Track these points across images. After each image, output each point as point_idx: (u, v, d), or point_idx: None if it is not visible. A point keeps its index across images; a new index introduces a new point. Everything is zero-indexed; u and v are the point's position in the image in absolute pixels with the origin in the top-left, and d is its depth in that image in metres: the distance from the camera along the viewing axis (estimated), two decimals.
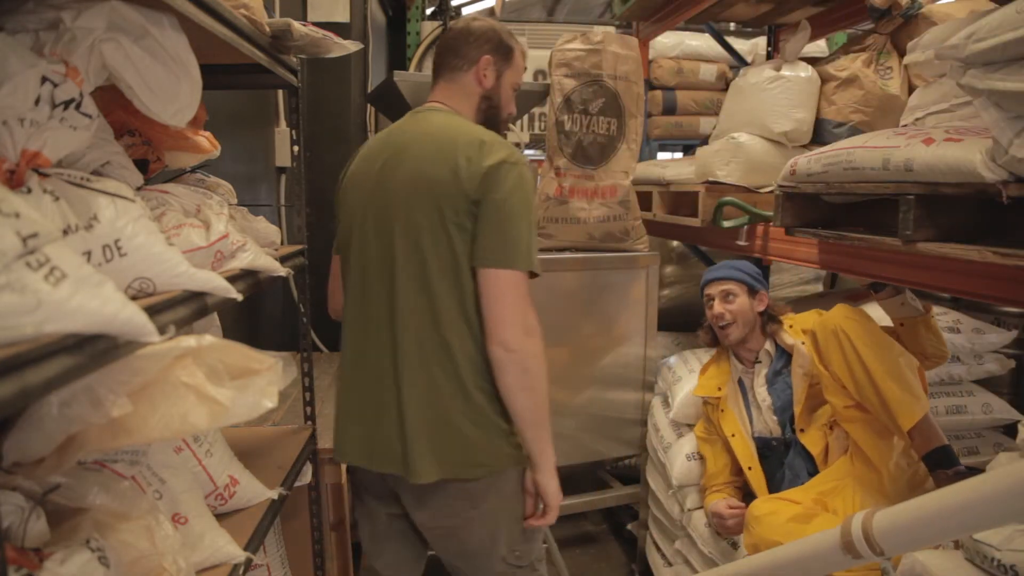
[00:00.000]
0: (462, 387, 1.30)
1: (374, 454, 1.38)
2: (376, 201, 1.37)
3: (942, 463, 1.65)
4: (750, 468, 1.97)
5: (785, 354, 2.02)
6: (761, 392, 2.03)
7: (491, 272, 1.26)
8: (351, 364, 1.42)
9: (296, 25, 1.38)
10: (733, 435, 2.01)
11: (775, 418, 1.99)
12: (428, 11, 4.19)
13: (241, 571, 1.13)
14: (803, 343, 1.96)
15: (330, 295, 1.61)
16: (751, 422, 2.02)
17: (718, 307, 2.03)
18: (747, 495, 2.05)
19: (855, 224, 1.63)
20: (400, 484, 1.37)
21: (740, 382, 2.08)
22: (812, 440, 1.92)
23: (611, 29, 3.77)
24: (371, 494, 1.47)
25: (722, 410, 2.05)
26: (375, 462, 1.38)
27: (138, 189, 1.07)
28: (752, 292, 2.04)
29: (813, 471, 1.92)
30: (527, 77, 3.81)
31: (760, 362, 2.06)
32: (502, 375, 1.30)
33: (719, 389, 2.09)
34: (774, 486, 1.96)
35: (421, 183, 1.30)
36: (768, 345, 2.05)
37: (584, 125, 2.36)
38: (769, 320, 2.05)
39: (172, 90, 0.94)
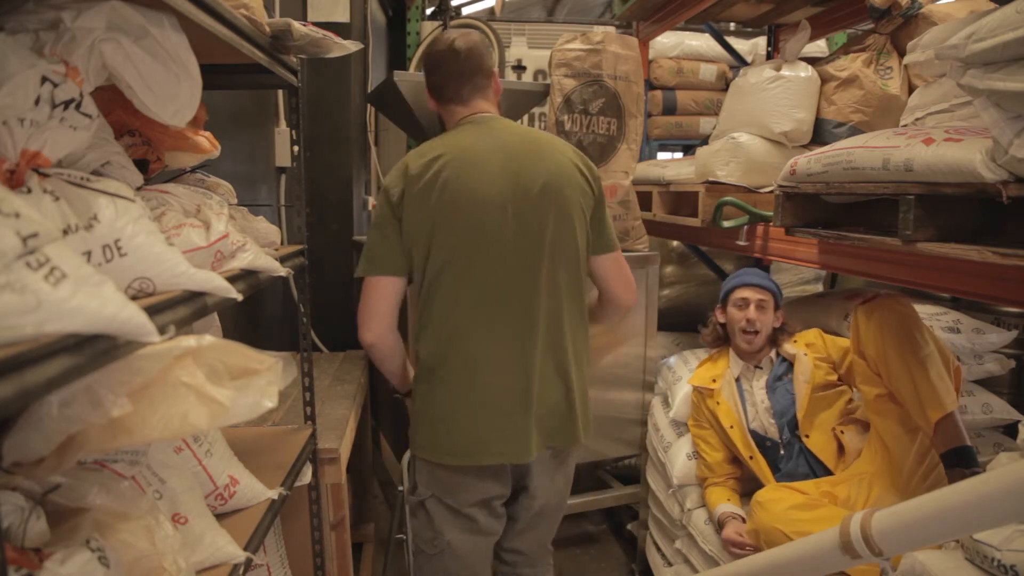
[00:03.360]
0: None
1: (542, 437, 1.56)
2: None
3: (960, 463, 1.63)
4: (751, 457, 2.00)
5: (785, 362, 2.08)
6: (760, 394, 2.07)
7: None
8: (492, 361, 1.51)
9: (296, 25, 1.38)
10: (731, 427, 2.04)
11: (773, 421, 2.01)
12: (428, 11, 4.19)
13: (241, 571, 1.13)
14: (805, 354, 2.03)
15: (377, 318, 1.49)
16: (746, 416, 2.05)
17: (753, 313, 2.08)
18: (746, 489, 2.06)
19: (855, 224, 1.64)
20: (530, 466, 1.57)
21: (737, 380, 2.11)
22: (819, 444, 1.94)
23: (611, 29, 3.77)
24: (497, 483, 1.56)
25: (718, 402, 2.09)
26: (529, 450, 1.52)
27: (138, 189, 1.07)
28: (776, 307, 2.12)
29: (823, 474, 1.92)
30: (527, 77, 3.83)
31: (761, 368, 2.11)
32: None
33: (713, 381, 2.13)
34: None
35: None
36: (772, 354, 2.10)
37: (584, 125, 2.36)
38: (779, 333, 2.11)
39: (172, 90, 0.94)
